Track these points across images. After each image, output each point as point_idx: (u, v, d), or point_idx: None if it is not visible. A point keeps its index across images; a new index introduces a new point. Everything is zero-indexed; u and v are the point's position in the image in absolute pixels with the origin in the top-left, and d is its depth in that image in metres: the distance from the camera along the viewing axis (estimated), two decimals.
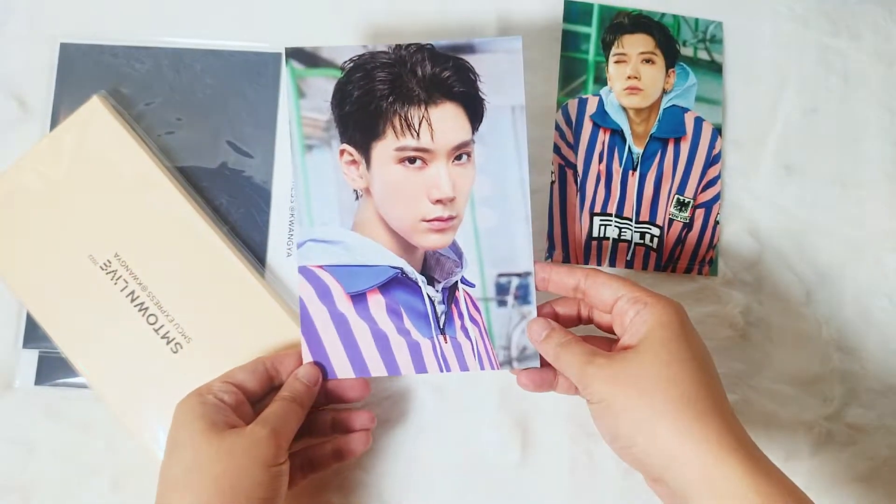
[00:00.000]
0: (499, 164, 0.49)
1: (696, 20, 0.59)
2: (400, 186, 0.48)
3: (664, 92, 0.58)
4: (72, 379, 0.53)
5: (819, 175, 0.59)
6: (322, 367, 0.48)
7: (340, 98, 0.48)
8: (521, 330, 0.48)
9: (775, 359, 0.57)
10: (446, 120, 0.47)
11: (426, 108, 0.47)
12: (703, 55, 0.59)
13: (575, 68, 0.58)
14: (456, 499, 0.53)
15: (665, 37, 0.59)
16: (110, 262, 0.52)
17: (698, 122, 0.58)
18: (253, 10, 0.58)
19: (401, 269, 0.48)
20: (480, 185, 0.49)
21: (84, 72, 0.56)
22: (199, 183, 0.55)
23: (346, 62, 0.48)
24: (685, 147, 0.58)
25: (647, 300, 0.43)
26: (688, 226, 0.57)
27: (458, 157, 0.48)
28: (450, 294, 0.49)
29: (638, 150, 0.57)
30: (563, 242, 0.57)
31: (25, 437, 0.53)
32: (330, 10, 0.58)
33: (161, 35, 0.57)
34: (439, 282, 0.49)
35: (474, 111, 0.48)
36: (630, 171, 0.57)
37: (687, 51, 0.59)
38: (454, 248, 0.49)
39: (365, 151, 0.48)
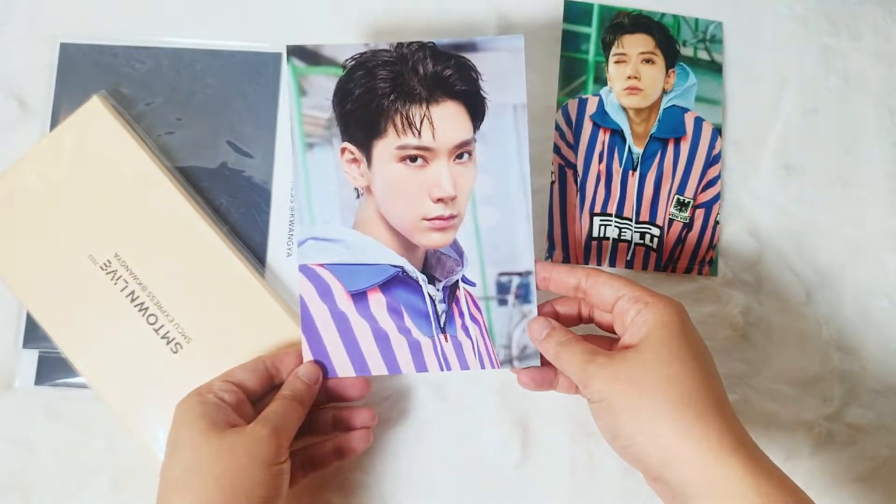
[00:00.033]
0: (500, 163, 0.49)
1: (696, 20, 0.59)
2: (401, 185, 0.48)
3: (664, 92, 0.58)
4: (72, 379, 0.53)
5: (819, 175, 0.59)
6: (322, 366, 0.48)
7: (342, 96, 0.48)
8: (522, 329, 0.48)
9: (775, 359, 0.57)
10: (448, 118, 0.47)
11: (428, 107, 0.47)
12: (703, 55, 0.59)
13: (575, 68, 0.58)
14: (456, 498, 0.53)
15: (665, 37, 0.59)
16: (110, 262, 0.52)
17: (698, 122, 0.58)
18: (253, 10, 0.58)
19: (402, 267, 0.48)
20: (482, 183, 0.49)
21: (84, 72, 0.56)
22: (199, 183, 0.55)
23: (347, 60, 0.48)
24: (685, 147, 0.58)
25: (647, 299, 0.43)
26: (688, 226, 0.57)
27: (460, 156, 0.48)
28: (450, 293, 0.49)
29: (638, 150, 0.57)
30: (563, 242, 0.57)
31: (25, 437, 0.53)
32: (330, 9, 0.58)
33: (161, 35, 0.57)
34: (440, 280, 0.49)
35: (476, 110, 0.48)
36: (630, 171, 0.57)
37: (687, 51, 0.59)
38: (455, 246, 0.49)
39: (366, 150, 0.48)
